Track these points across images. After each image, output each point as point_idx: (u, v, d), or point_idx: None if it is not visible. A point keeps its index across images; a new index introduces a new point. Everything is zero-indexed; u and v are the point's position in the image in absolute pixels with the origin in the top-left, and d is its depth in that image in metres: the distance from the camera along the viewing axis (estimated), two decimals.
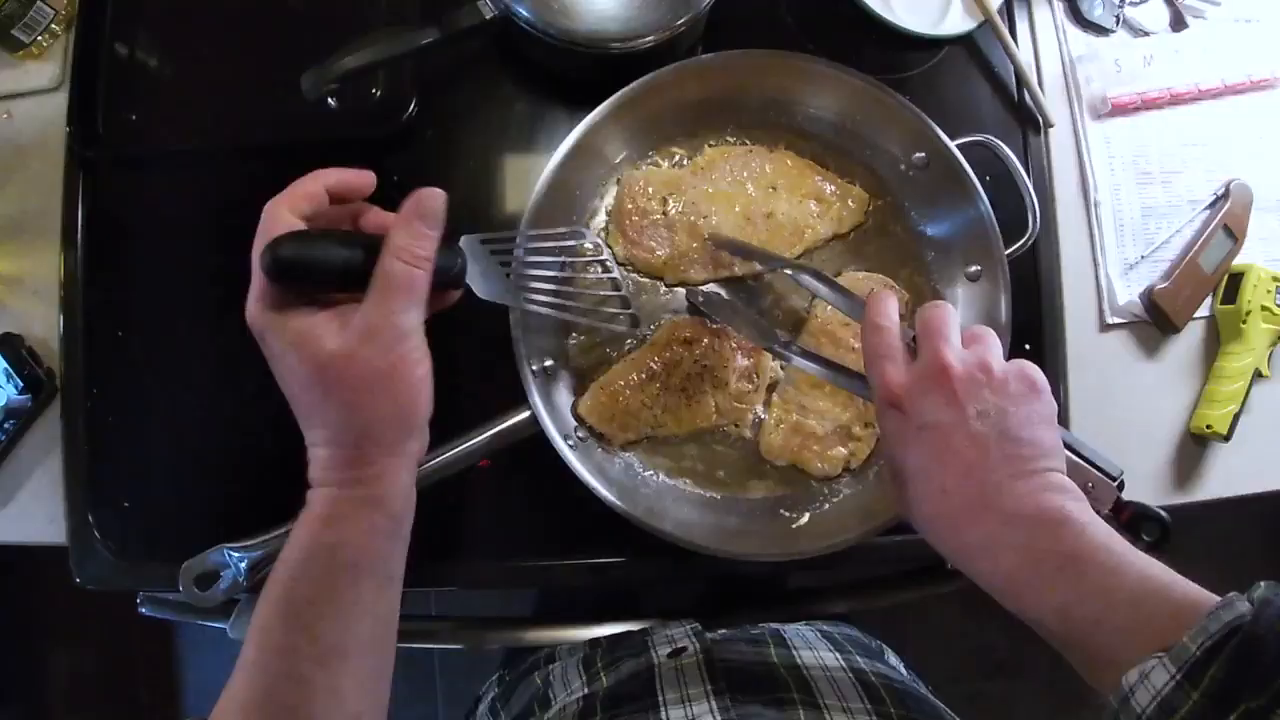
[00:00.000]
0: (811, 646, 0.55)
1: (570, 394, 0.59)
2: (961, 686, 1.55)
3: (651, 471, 0.59)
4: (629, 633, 0.61)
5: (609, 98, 0.56)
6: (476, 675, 0.73)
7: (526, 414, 0.54)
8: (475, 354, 0.60)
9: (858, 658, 0.53)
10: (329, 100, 0.58)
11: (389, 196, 0.62)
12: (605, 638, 0.62)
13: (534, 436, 0.54)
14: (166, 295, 0.63)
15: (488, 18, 0.55)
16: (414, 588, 0.61)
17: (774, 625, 0.59)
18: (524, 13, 0.55)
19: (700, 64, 0.58)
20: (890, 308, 0.46)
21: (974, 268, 0.60)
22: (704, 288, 0.60)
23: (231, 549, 0.52)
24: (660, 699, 0.48)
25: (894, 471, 0.44)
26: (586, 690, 0.54)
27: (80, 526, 0.61)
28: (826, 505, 0.59)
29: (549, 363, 0.58)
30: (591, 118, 0.56)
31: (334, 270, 0.42)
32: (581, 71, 0.62)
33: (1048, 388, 0.43)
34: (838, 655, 0.53)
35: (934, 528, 0.42)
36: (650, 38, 0.55)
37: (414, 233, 0.42)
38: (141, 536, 0.62)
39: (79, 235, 0.62)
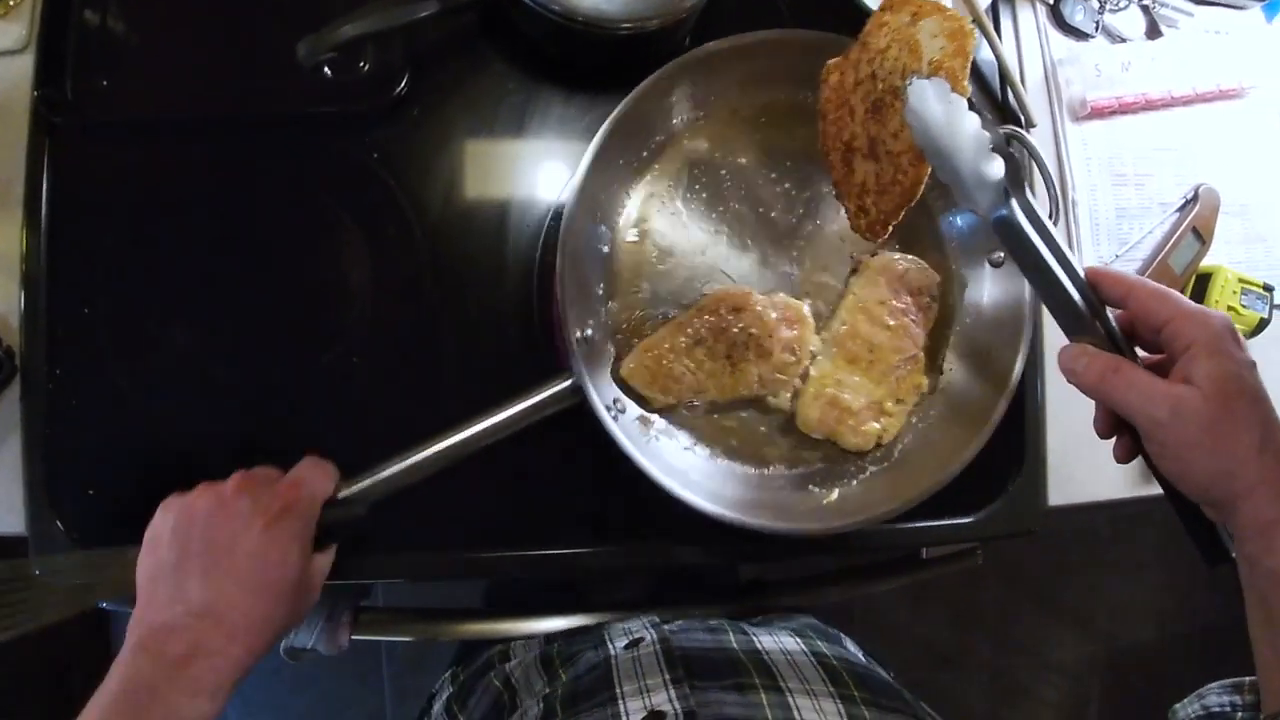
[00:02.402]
0: (771, 632, 0.55)
1: (609, 363, 0.58)
2: (906, 678, 1.57)
3: (686, 445, 0.59)
4: (585, 626, 0.61)
5: (659, 68, 0.55)
6: (426, 669, 0.72)
7: (569, 382, 0.53)
8: (439, 372, 0.60)
9: (819, 642, 0.54)
10: (324, 69, 0.56)
11: (371, 174, 0.61)
12: (562, 632, 0.62)
13: (573, 408, 0.53)
14: (136, 272, 0.60)
15: None
16: (363, 579, 0.61)
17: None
18: None
19: (748, 40, 0.57)
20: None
21: (998, 254, 0.61)
22: None
23: None
24: (618, 691, 0.48)
25: (1230, 395, 0.40)
26: (547, 690, 0.53)
27: (40, 515, 0.57)
28: (854, 483, 0.60)
29: (590, 332, 0.56)
30: (646, 84, 0.55)
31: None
32: (577, 54, 0.61)
33: None
34: (798, 640, 0.53)
35: (1264, 435, 0.40)
36: (653, 19, 0.55)
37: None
38: (106, 526, 0.58)
39: (43, 206, 0.58)
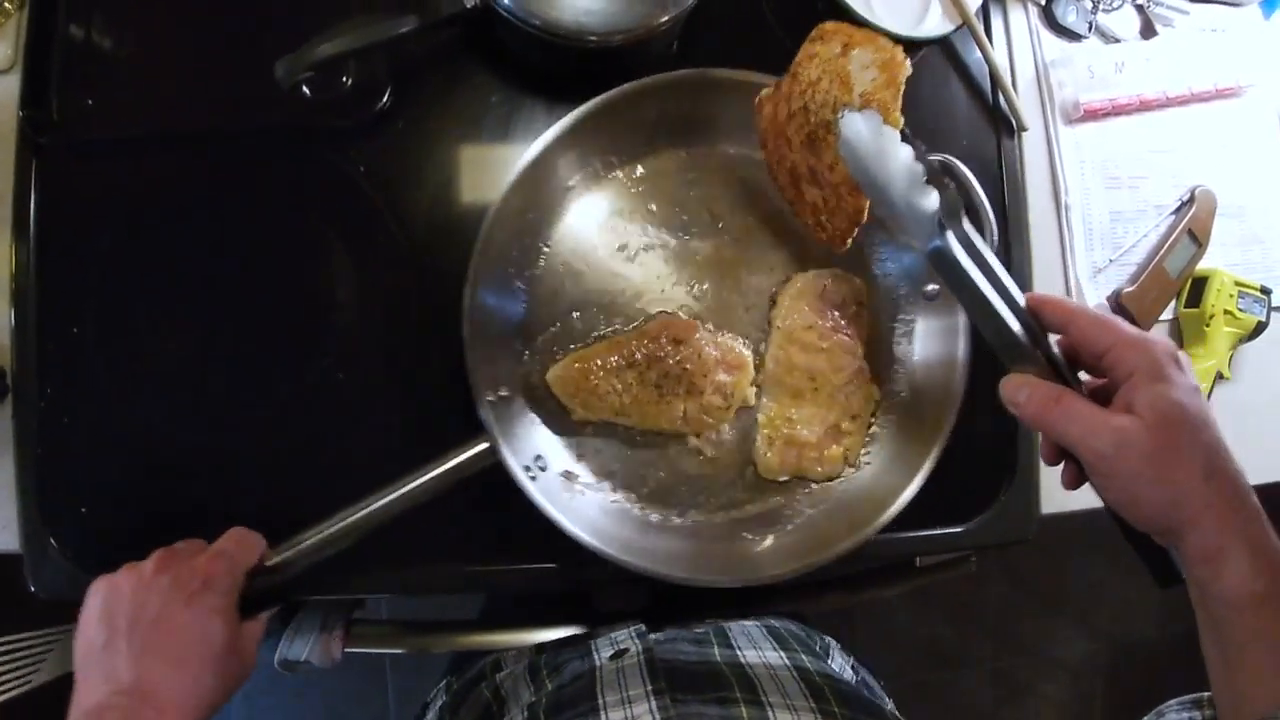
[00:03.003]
0: (756, 645, 0.55)
1: (530, 422, 0.58)
2: (907, 678, 1.59)
3: (614, 498, 0.59)
4: (574, 636, 0.61)
5: (562, 119, 0.55)
6: (428, 672, 0.72)
7: (484, 445, 0.53)
8: (426, 386, 0.60)
9: (802, 656, 0.54)
10: (303, 88, 0.56)
11: (357, 188, 0.61)
12: (551, 642, 0.62)
13: (493, 467, 0.54)
14: (125, 290, 0.60)
15: (468, 6, 0.54)
16: (358, 594, 0.61)
17: (720, 622, 0.59)
18: (506, 1, 0.53)
19: (654, 83, 0.56)
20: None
21: (931, 288, 0.60)
22: None
23: None
24: (600, 701, 0.48)
25: (1172, 423, 0.40)
26: (532, 699, 0.54)
27: (35, 533, 0.58)
28: (789, 527, 0.59)
29: (504, 392, 0.57)
30: (546, 139, 0.55)
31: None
32: (559, 64, 0.61)
33: None
34: (782, 654, 0.54)
35: (1222, 485, 0.40)
36: (634, 31, 0.54)
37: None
38: (100, 544, 0.59)
39: (31, 226, 0.59)
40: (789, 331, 0.59)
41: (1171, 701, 0.45)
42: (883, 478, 0.59)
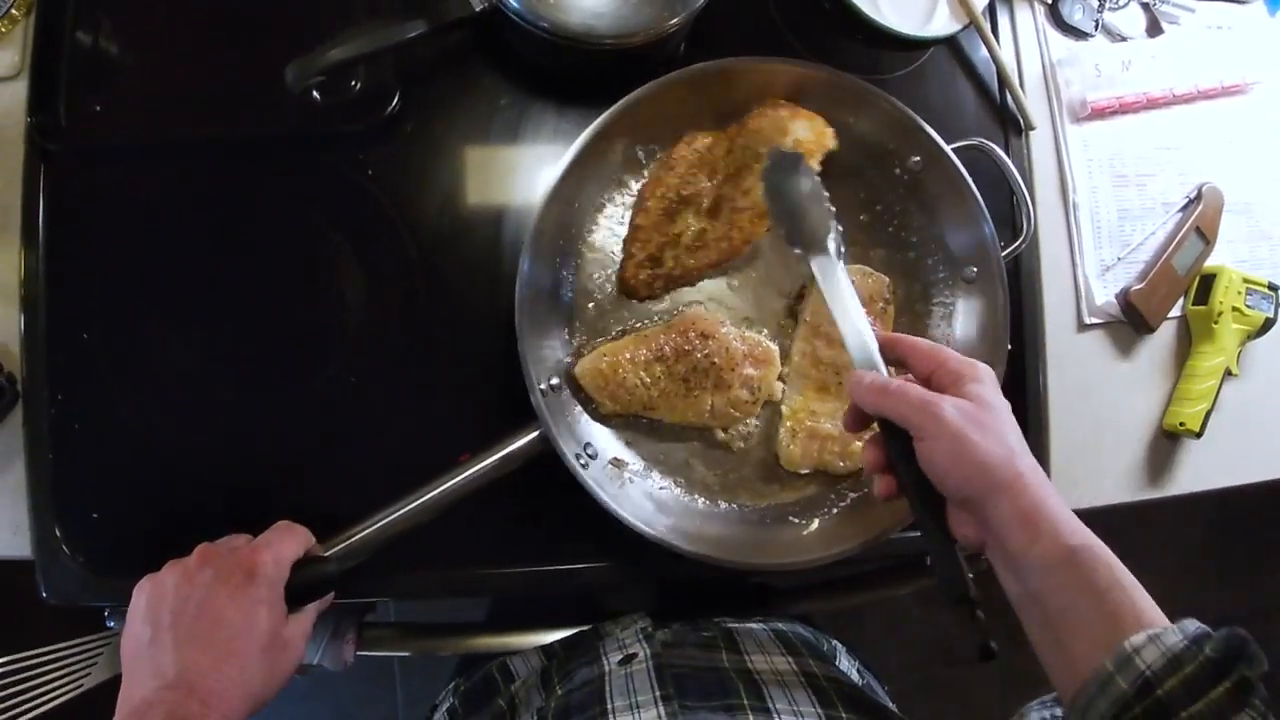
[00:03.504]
0: (763, 649, 0.55)
1: (579, 411, 0.59)
2: (916, 674, 1.59)
3: (662, 485, 0.59)
4: (582, 636, 0.61)
5: (608, 109, 0.55)
6: (436, 674, 0.72)
7: (535, 433, 0.54)
8: (474, 374, 0.60)
9: (810, 661, 0.54)
10: (313, 93, 0.56)
11: (366, 193, 0.61)
12: (560, 645, 0.62)
13: (541, 456, 0.54)
14: (134, 295, 0.60)
15: (477, 9, 0.54)
16: (369, 597, 0.61)
17: (728, 624, 0.60)
18: (514, 4, 0.53)
19: (706, 70, 0.57)
20: (870, 376, 0.50)
21: (971, 270, 0.60)
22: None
23: None
24: (609, 706, 0.48)
25: (979, 417, 0.44)
26: (542, 704, 0.54)
27: (46, 539, 0.58)
28: (834, 511, 0.60)
29: (555, 381, 0.57)
30: (592, 131, 0.55)
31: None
32: (568, 67, 0.61)
33: None
34: (789, 659, 0.54)
35: (998, 461, 0.43)
36: (643, 33, 0.54)
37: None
38: (112, 549, 0.59)
39: (40, 232, 0.59)
40: (815, 325, 0.60)
41: (1032, 704, 0.46)
42: None
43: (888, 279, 0.61)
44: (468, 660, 0.70)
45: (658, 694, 0.48)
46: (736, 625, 0.59)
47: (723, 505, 0.59)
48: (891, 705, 0.53)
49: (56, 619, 0.60)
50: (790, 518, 0.59)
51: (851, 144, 0.61)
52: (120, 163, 0.61)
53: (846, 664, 0.64)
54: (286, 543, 0.51)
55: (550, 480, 0.54)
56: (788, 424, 0.59)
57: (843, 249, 0.52)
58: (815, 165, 0.57)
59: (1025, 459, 0.44)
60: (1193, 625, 0.38)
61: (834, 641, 0.66)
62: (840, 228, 0.53)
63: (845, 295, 0.50)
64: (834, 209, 0.54)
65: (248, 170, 0.62)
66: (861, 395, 0.48)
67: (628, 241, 0.59)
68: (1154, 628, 0.38)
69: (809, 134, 0.58)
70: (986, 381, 0.46)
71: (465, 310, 0.60)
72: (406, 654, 0.69)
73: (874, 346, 0.49)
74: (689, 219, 0.59)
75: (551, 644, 0.63)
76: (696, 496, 0.59)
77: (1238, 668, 0.35)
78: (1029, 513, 0.42)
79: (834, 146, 0.58)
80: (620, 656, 0.54)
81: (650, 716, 0.46)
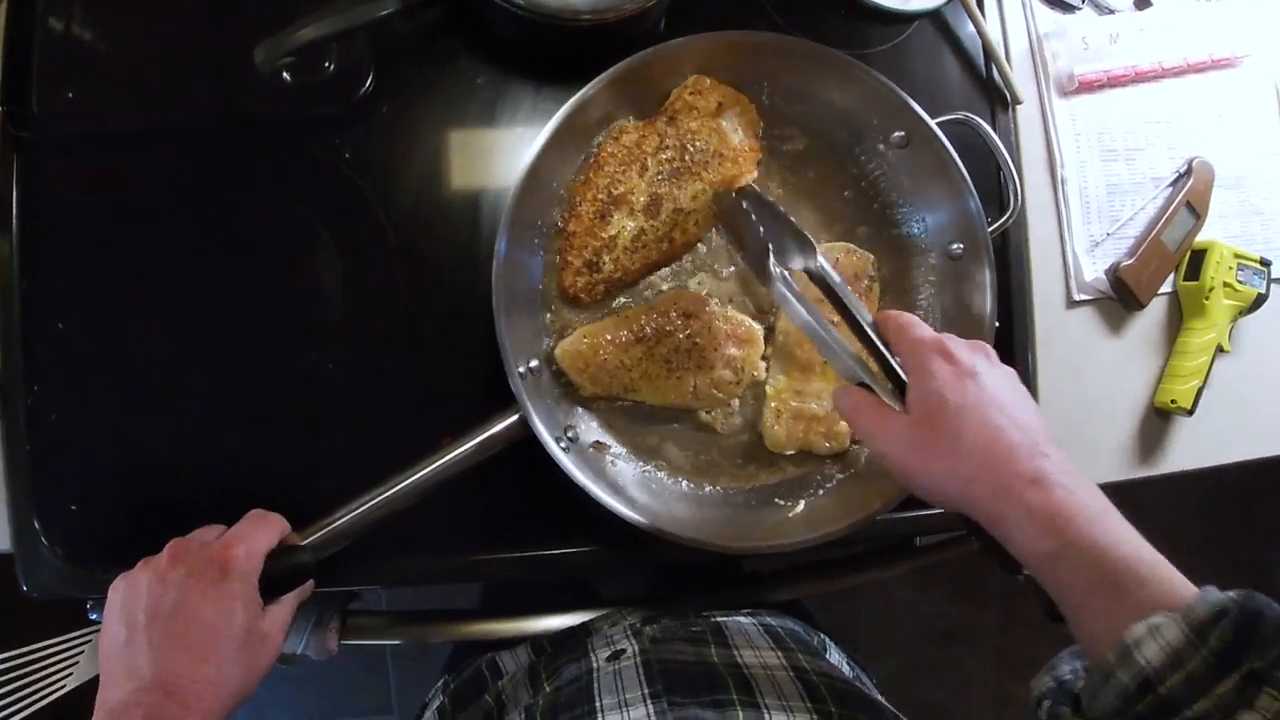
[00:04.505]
0: (753, 644, 0.54)
1: (560, 394, 0.58)
2: (910, 654, 1.59)
3: (646, 468, 0.59)
4: (571, 632, 0.61)
5: (590, 82, 0.55)
6: (429, 662, 0.71)
7: (515, 417, 0.53)
8: (455, 359, 0.59)
9: (799, 656, 0.53)
10: (284, 74, 0.55)
11: (342, 176, 0.60)
12: (548, 640, 0.62)
13: (523, 441, 0.53)
14: (109, 285, 0.59)
15: None
16: (353, 585, 0.61)
17: (717, 618, 0.59)
18: None
19: (687, 44, 0.56)
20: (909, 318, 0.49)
21: (957, 246, 0.60)
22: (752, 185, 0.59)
23: None
24: (598, 704, 0.48)
25: (933, 406, 0.44)
26: (529, 702, 0.53)
27: (25, 532, 0.57)
28: (820, 492, 0.60)
29: (535, 364, 0.56)
30: (573, 103, 0.55)
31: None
32: (544, 45, 0.60)
33: None
34: (779, 654, 0.53)
35: (980, 461, 0.42)
36: (621, 9, 0.53)
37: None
38: (92, 541, 0.58)
39: (13, 222, 0.58)
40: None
41: (1063, 653, 0.44)
42: None
43: (872, 256, 0.60)
44: (458, 654, 0.70)
45: (646, 691, 0.48)
46: (726, 619, 0.59)
47: (707, 488, 0.59)
48: (880, 698, 0.52)
49: (40, 613, 0.60)
50: (776, 500, 0.59)
51: (833, 119, 0.60)
52: (94, 150, 0.60)
53: (837, 657, 0.64)
54: (259, 534, 0.50)
55: (536, 464, 0.54)
56: (772, 405, 0.59)
57: (785, 272, 0.51)
58: (750, 176, 0.59)
59: (980, 460, 0.42)
60: (1203, 605, 0.35)
61: (823, 635, 0.65)
62: (788, 245, 0.52)
63: (803, 316, 0.50)
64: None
65: (223, 155, 0.61)
66: (840, 412, 0.49)
67: (562, 250, 0.57)
68: (1156, 613, 0.35)
69: (742, 135, 0.59)
70: (930, 369, 0.45)
71: (445, 293, 0.60)
72: (397, 642, 0.68)
73: (847, 354, 0.48)
74: (624, 219, 0.57)
75: (540, 640, 0.63)
76: (680, 479, 0.59)
77: (1246, 659, 0.33)
78: (994, 520, 0.41)
79: (753, 174, 0.60)
80: (608, 653, 0.54)
81: (639, 714, 0.46)
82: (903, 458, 0.44)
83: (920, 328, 0.48)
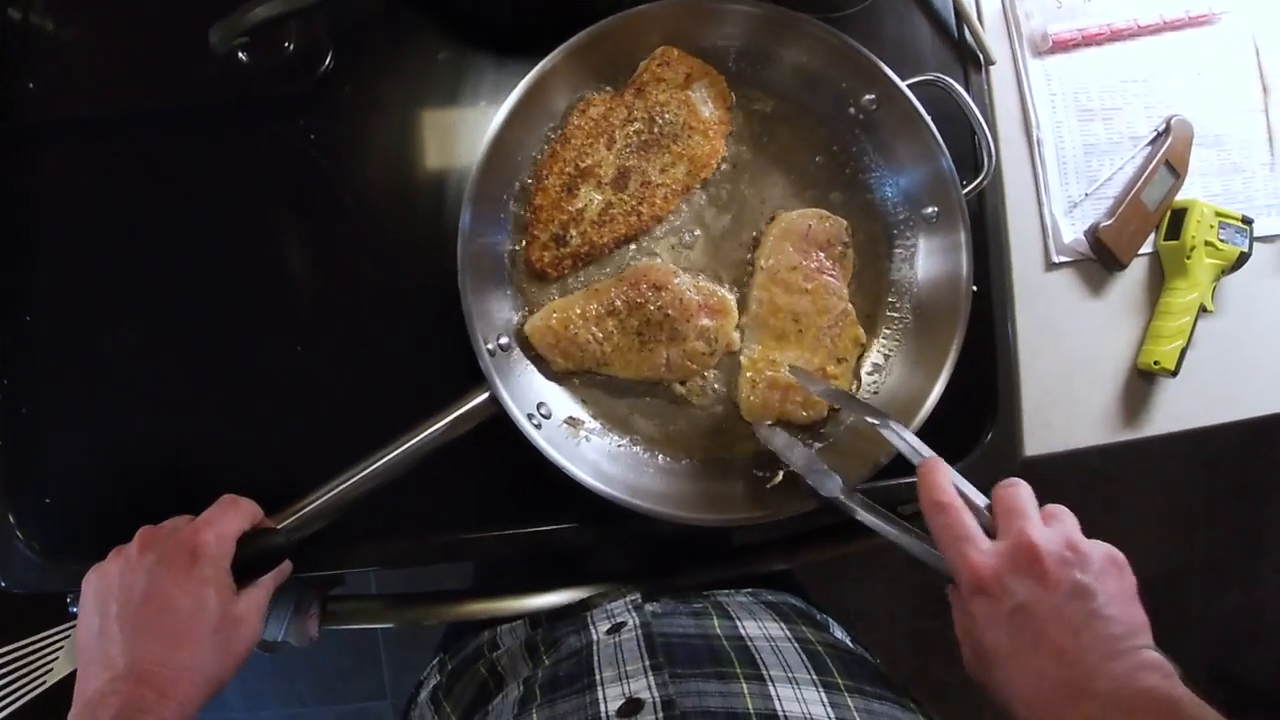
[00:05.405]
0: (756, 617, 0.54)
1: (531, 370, 0.57)
2: (902, 625, 1.59)
3: (620, 442, 0.58)
4: (570, 607, 0.60)
5: (553, 50, 0.54)
6: (420, 645, 0.71)
7: (485, 395, 0.52)
8: (425, 338, 0.59)
9: (803, 628, 0.53)
10: (240, 54, 0.55)
11: (307, 157, 0.59)
12: (546, 614, 0.61)
13: (494, 418, 0.53)
14: (76, 274, 0.59)
15: None
16: (333, 570, 0.60)
17: (717, 597, 0.59)
18: None
19: (650, 11, 0.56)
20: (946, 481, 0.48)
21: (931, 210, 0.59)
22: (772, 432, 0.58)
23: None
24: (598, 677, 0.47)
25: (979, 653, 0.44)
26: (528, 673, 0.53)
27: (0, 527, 0.57)
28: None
29: (504, 340, 0.56)
30: (535, 73, 0.54)
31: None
32: (505, 14, 0.59)
33: (1128, 565, 0.45)
34: (782, 625, 0.53)
35: (1029, 710, 0.42)
36: None
37: None
38: (69, 534, 0.58)
39: None
40: (772, 272, 0.58)
41: None
42: (892, 404, 0.58)
43: (845, 222, 0.59)
44: (453, 632, 0.69)
45: (647, 663, 0.47)
46: (727, 599, 0.58)
47: (683, 460, 0.58)
48: (889, 673, 0.52)
49: (21, 609, 0.60)
50: (754, 471, 0.58)
51: (803, 84, 0.59)
52: (55, 140, 0.60)
53: (840, 634, 0.63)
54: (229, 518, 0.50)
55: (511, 442, 0.53)
56: (747, 374, 0.58)
57: (850, 487, 0.53)
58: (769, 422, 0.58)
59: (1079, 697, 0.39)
60: None
61: (826, 615, 0.65)
62: (839, 479, 0.53)
63: (882, 518, 0.50)
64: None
65: (186, 141, 0.60)
66: (921, 491, 0.48)
67: (529, 224, 0.57)
68: None
69: (712, 107, 0.58)
70: (1023, 572, 0.42)
71: (412, 272, 0.59)
72: (387, 625, 0.68)
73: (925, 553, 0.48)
74: (591, 192, 0.57)
75: (538, 615, 0.62)
76: (656, 453, 0.58)
77: None
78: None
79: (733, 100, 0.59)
80: (608, 625, 0.53)
81: (639, 686, 0.45)
82: (979, 644, 0.44)
83: (955, 544, 0.46)
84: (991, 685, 0.44)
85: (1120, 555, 0.45)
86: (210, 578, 0.47)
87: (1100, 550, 0.44)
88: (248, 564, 0.49)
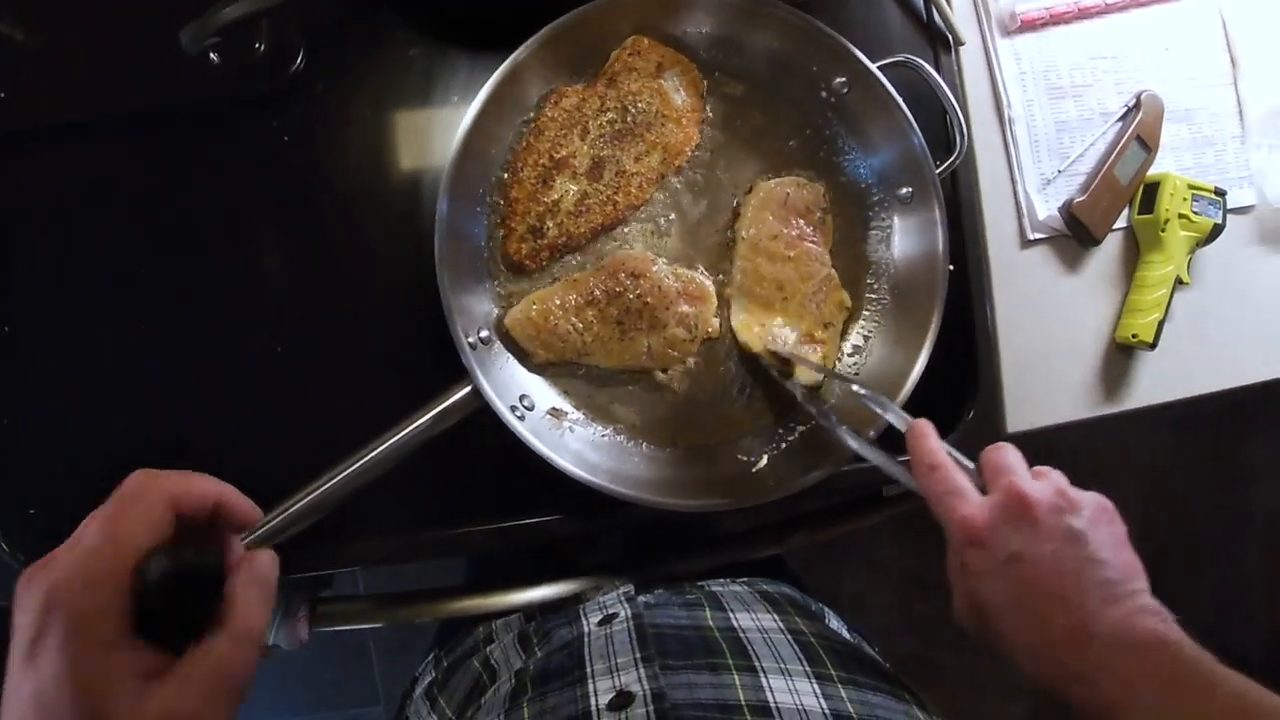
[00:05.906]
0: (749, 608, 0.54)
1: (512, 362, 0.57)
2: (896, 610, 1.60)
3: (603, 431, 0.58)
4: (562, 600, 0.60)
5: (524, 43, 0.54)
6: (412, 646, 0.71)
7: (468, 389, 0.52)
8: (405, 334, 0.59)
9: (797, 619, 0.53)
10: (211, 55, 0.54)
11: (280, 158, 0.59)
12: (539, 608, 0.61)
13: (477, 411, 0.53)
14: (52, 283, 0.58)
15: None
16: (319, 570, 0.60)
17: (711, 588, 0.58)
18: None
19: (620, 1, 0.56)
20: (935, 443, 0.47)
21: (906, 190, 0.59)
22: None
23: None
24: (589, 670, 0.47)
25: (976, 606, 0.44)
26: (520, 666, 0.52)
27: None
28: (783, 446, 0.60)
29: (485, 333, 0.56)
30: (507, 67, 0.54)
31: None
32: (476, 9, 0.59)
33: (1118, 513, 0.45)
34: (775, 617, 0.53)
35: (1029, 658, 0.41)
36: None
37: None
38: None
39: None
40: (754, 242, 0.59)
41: None
42: (873, 385, 0.58)
43: (822, 187, 0.60)
44: (448, 629, 0.69)
45: (638, 655, 0.47)
46: (721, 589, 0.58)
47: (668, 448, 0.58)
48: (885, 664, 0.52)
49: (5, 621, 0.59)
50: (739, 455, 0.59)
51: (774, 68, 0.59)
52: (28, 149, 0.60)
53: (836, 624, 0.63)
54: (112, 543, 0.34)
55: (495, 435, 0.53)
56: (740, 316, 0.59)
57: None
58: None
59: (1031, 671, 0.40)
60: None
61: (821, 605, 0.65)
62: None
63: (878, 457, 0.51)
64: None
65: (160, 144, 0.60)
66: (912, 455, 0.48)
67: (506, 216, 0.57)
68: None
69: (684, 95, 0.58)
70: (1016, 521, 0.42)
71: (391, 269, 0.59)
72: (377, 625, 0.67)
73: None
74: (566, 183, 0.57)
75: (531, 607, 0.62)
76: (640, 441, 0.58)
77: None
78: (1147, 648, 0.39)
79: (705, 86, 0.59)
80: (600, 617, 0.53)
81: (630, 679, 0.44)
82: (974, 594, 0.44)
83: (945, 499, 0.45)
84: (990, 637, 0.44)
85: (1110, 503, 0.45)
86: (66, 655, 0.30)
87: (1091, 497, 0.44)
88: (168, 603, 0.33)
